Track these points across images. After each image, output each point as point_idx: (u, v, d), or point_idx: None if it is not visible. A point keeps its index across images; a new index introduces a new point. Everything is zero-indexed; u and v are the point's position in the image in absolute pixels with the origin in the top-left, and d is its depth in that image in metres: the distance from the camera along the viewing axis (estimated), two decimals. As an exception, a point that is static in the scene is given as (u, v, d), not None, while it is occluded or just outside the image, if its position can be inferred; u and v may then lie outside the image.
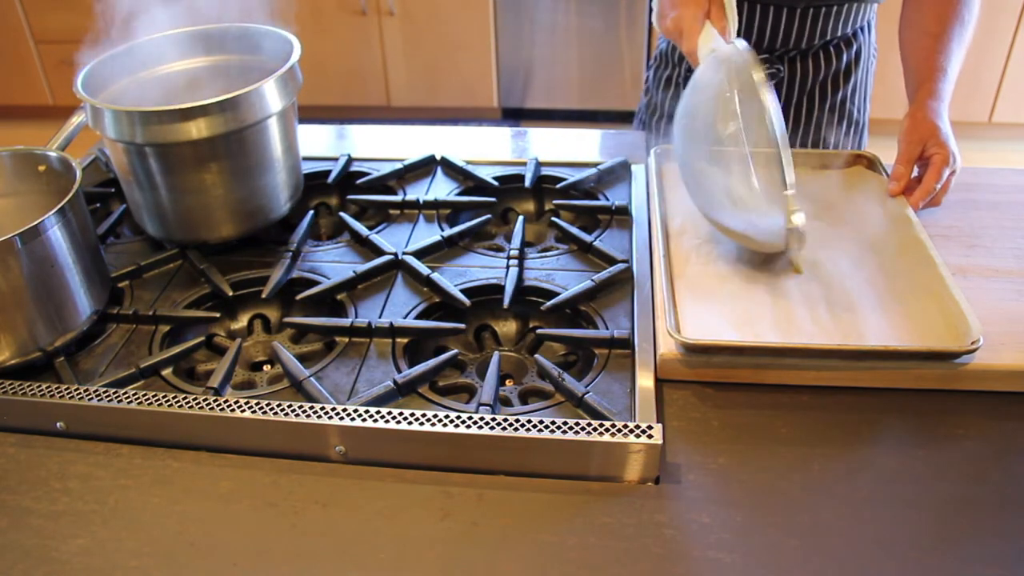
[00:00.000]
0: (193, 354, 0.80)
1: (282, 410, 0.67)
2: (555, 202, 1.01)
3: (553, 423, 0.65)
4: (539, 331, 0.81)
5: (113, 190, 1.06)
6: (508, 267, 0.87)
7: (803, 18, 1.08)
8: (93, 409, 0.69)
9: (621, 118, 3.28)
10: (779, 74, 1.12)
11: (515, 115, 3.24)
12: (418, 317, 0.82)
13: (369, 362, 0.77)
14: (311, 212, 0.99)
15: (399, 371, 0.75)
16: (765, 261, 0.84)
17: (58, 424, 0.71)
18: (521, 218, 0.96)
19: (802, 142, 1.17)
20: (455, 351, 0.78)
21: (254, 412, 0.67)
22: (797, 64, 1.12)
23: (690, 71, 1.12)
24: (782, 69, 1.12)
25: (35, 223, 0.72)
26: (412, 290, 0.86)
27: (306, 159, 1.08)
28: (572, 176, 1.04)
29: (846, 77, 1.15)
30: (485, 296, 0.85)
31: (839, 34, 1.12)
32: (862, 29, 1.15)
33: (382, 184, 1.05)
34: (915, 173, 0.95)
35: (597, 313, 0.82)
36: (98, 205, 1.04)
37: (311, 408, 0.67)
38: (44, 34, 3.09)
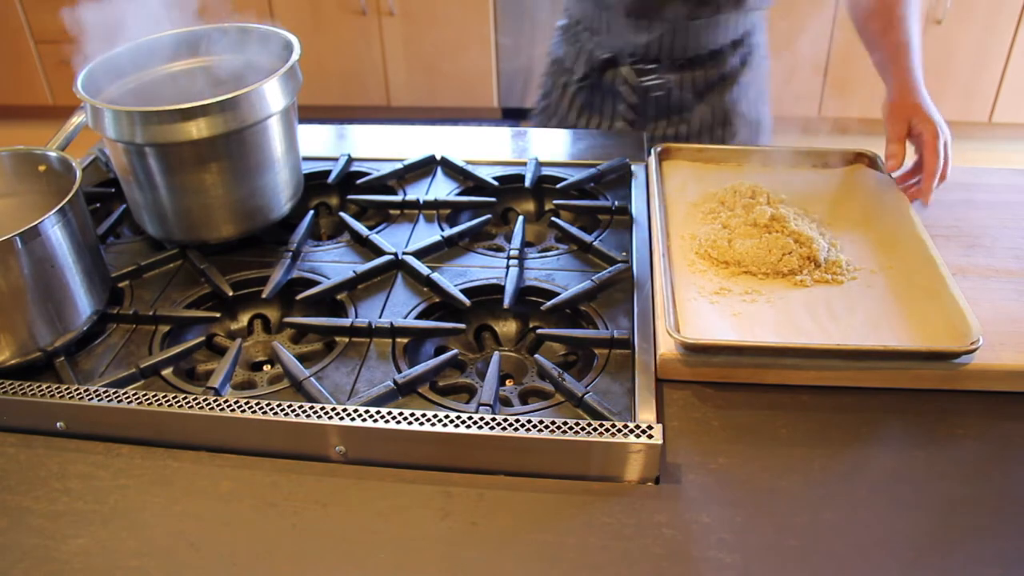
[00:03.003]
0: (193, 354, 0.80)
1: (282, 410, 0.67)
2: (555, 202, 1.01)
3: (553, 423, 0.65)
4: (539, 331, 0.81)
5: (113, 190, 1.06)
6: (508, 267, 0.87)
7: (688, 30, 1.10)
8: (93, 409, 0.69)
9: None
10: (667, 84, 1.15)
11: (515, 115, 3.24)
12: (418, 317, 0.82)
13: (369, 362, 0.77)
14: (311, 212, 0.99)
15: (399, 371, 0.75)
16: (765, 260, 0.85)
17: (58, 424, 0.71)
18: (521, 218, 0.96)
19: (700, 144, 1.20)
20: (455, 351, 0.78)
21: (254, 412, 0.67)
22: (686, 71, 1.14)
23: (583, 79, 1.19)
24: (671, 79, 1.14)
25: (35, 223, 0.72)
26: (412, 290, 0.86)
27: (306, 159, 1.08)
28: (572, 176, 1.04)
29: (736, 79, 1.17)
30: (485, 296, 0.85)
31: (727, 41, 1.14)
32: (750, 33, 1.17)
33: (382, 184, 1.05)
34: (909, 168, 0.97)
35: (597, 313, 0.82)
36: (98, 205, 1.04)
37: (311, 408, 0.67)
38: (44, 34, 3.09)
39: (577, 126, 1.24)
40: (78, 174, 0.79)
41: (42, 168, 0.84)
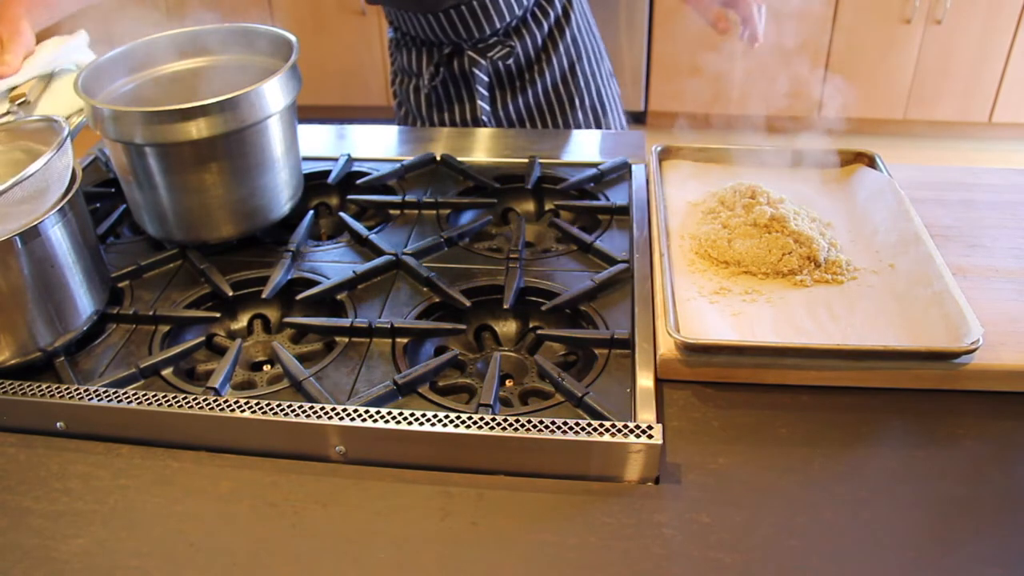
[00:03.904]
0: (193, 354, 0.80)
1: (282, 410, 0.67)
2: (555, 202, 1.01)
3: (553, 423, 0.65)
4: (539, 331, 0.81)
5: (113, 190, 1.06)
6: (508, 267, 0.87)
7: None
8: (93, 409, 0.69)
9: (621, 118, 3.27)
10: (513, 49, 1.21)
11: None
12: (418, 317, 0.82)
13: (369, 362, 0.77)
14: (311, 212, 0.99)
15: (399, 371, 0.75)
16: (765, 260, 0.85)
17: (58, 424, 0.71)
18: (521, 218, 0.96)
19: (563, 88, 1.28)
20: (455, 351, 0.78)
21: (254, 412, 0.67)
22: (522, 31, 1.21)
23: (433, 77, 1.24)
24: (513, 44, 1.21)
25: (35, 223, 0.72)
26: (412, 290, 0.86)
27: (306, 159, 1.08)
28: (572, 176, 1.04)
29: (569, 18, 1.25)
30: (485, 296, 0.85)
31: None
32: None
33: (382, 184, 1.05)
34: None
35: (597, 313, 0.82)
36: (98, 205, 1.04)
37: (311, 408, 0.67)
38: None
39: (439, 123, 1.30)
40: (78, 174, 0.79)
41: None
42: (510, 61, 1.22)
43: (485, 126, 1.26)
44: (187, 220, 0.90)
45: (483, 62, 1.20)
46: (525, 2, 1.19)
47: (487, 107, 1.24)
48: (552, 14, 1.23)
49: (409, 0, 1.17)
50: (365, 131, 1.25)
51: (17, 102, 0.84)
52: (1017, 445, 0.68)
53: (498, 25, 1.18)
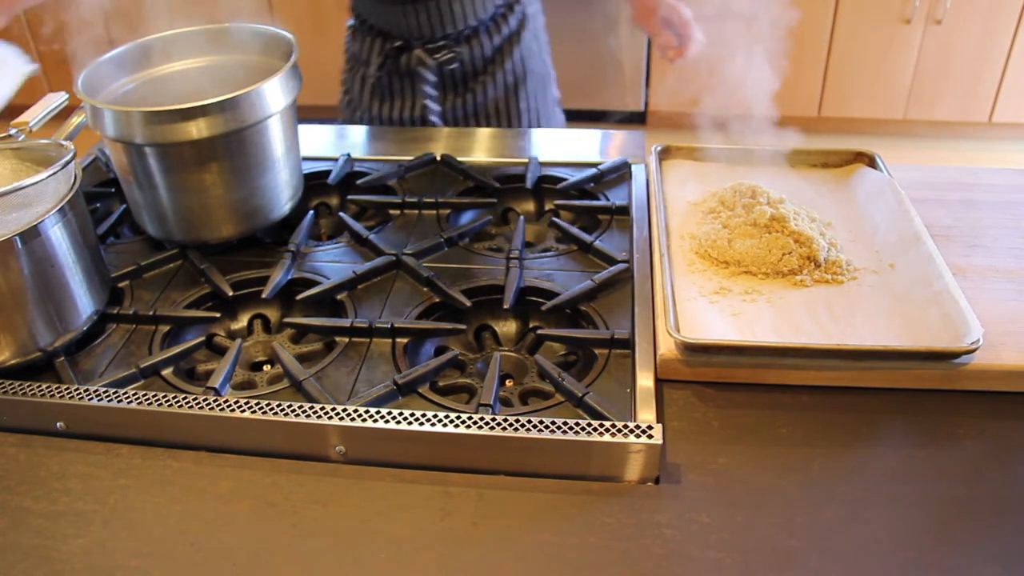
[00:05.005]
0: (193, 354, 0.80)
1: (282, 410, 0.67)
2: (555, 202, 1.01)
3: (553, 423, 0.65)
4: (539, 331, 0.81)
5: (113, 190, 1.06)
6: (508, 267, 0.87)
7: (453, 4, 1.19)
8: (93, 409, 0.69)
9: (621, 118, 3.28)
10: (459, 56, 1.23)
11: (515, 115, 3.24)
12: (418, 317, 0.82)
13: (369, 362, 0.77)
14: (311, 212, 0.99)
15: (399, 371, 0.75)
16: (765, 260, 0.85)
17: (58, 424, 0.71)
18: (521, 218, 0.96)
19: (504, 106, 1.30)
20: (455, 351, 0.77)
21: (254, 412, 0.67)
22: (474, 39, 1.24)
23: (380, 68, 1.26)
24: (461, 51, 1.23)
25: (35, 223, 0.72)
26: (412, 290, 0.86)
27: (306, 159, 1.08)
28: (572, 176, 1.04)
29: (520, 36, 1.27)
30: (485, 296, 0.85)
31: (501, 3, 1.23)
32: None
33: (382, 184, 1.05)
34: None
35: (597, 313, 0.82)
36: (98, 205, 1.04)
37: (311, 408, 0.67)
38: (44, 34, 3.09)
39: (380, 114, 1.31)
40: (78, 174, 0.79)
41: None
42: (455, 66, 1.24)
43: (433, 125, 1.27)
44: (187, 220, 0.90)
45: (429, 62, 1.23)
46: (482, 13, 1.21)
47: (436, 107, 1.26)
48: (505, 30, 1.25)
49: None
50: (365, 131, 1.25)
51: None
52: (1017, 445, 0.68)
53: (451, 29, 1.21)
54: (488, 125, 1.31)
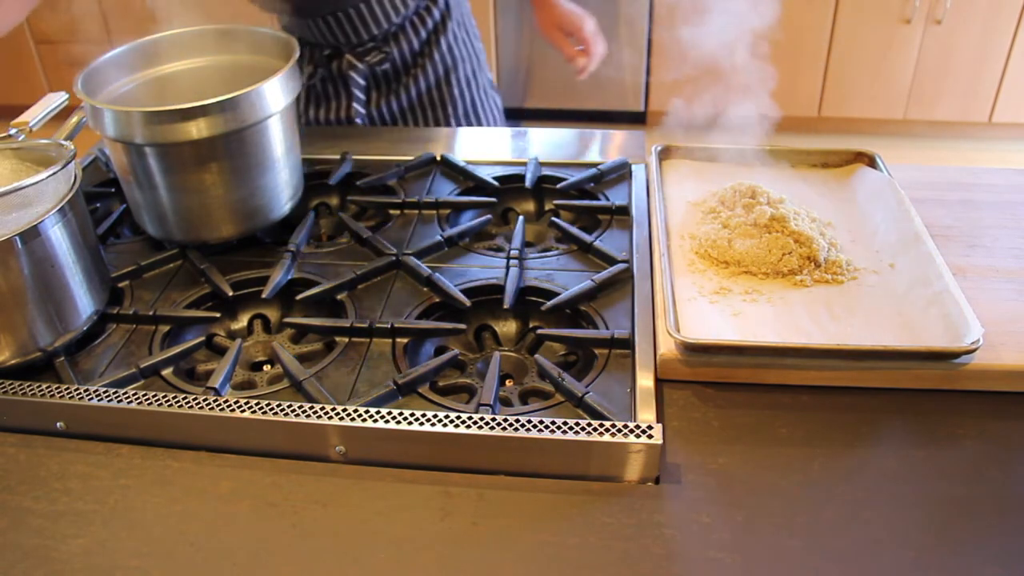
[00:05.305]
0: (193, 354, 0.80)
1: (282, 410, 0.67)
2: (555, 202, 1.01)
3: (553, 423, 0.65)
4: (539, 331, 0.81)
5: (113, 190, 1.06)
6: (508, 267, 0.87)
7: (370, 9, 1.20)
8: (93, 409, 0.69)
9: (621, 118, 3.28)
10: (389, 55, 1.26)
11: (515, 115, 3.24)
12: (418, 317, 0.82)
13: (369, 362, 0.77)
14: (311, 212, 0.99)
15: (399, 371, 0.75)
16: (765, 260, 0.85)
17: (58, 424, 0.71)
18: (521, 218, 0.96)
19: (437, 95, 1.33)
20: (455, 351, 0.78)
21: (254, 412, 0.67)
22: (401, 37, 1.26)
23: (312, 76, 1.28)
24: (390, 50, 1.25)
25: (35, 223, 0.72)
26: (412, 290, 0.86)
27: (306, 159, 1.08)
28: (572, 176, 1.04)
29: (446, 26, 1.29)
30: (485, 296, 0.85)
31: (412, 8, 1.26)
32: None
33: (382, 184, 1.05)
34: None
35: (597, 313, 0.82)
36: (98, 205, 1.04)
37: (311, 408, 0.67)
38: (44, 34, 3.09)
39: (315, 118, 1.32)
40: (78, 174, 0.79)
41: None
42: (386, 66, 1.26)
43: (359, 124, 1.29)
44: (187, 220, 0.90)
45: (360, 66, 1.25)
46: (403, 11, 1.23)
47: (362, 109, 1.28)
48: (430, 22, 1.27)
49: (288, 5, 1.20)
50: (365, 131, 1.25)
51: None
52: (1017, 445, 0.68)
53: (375, 32, 1.22)
54: (424, 115, 1.32)
